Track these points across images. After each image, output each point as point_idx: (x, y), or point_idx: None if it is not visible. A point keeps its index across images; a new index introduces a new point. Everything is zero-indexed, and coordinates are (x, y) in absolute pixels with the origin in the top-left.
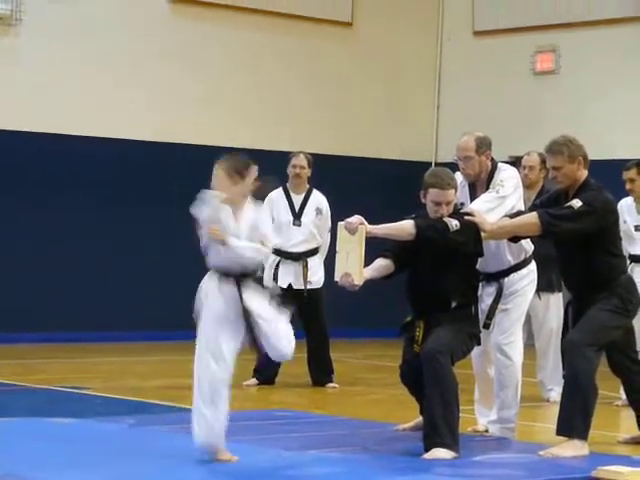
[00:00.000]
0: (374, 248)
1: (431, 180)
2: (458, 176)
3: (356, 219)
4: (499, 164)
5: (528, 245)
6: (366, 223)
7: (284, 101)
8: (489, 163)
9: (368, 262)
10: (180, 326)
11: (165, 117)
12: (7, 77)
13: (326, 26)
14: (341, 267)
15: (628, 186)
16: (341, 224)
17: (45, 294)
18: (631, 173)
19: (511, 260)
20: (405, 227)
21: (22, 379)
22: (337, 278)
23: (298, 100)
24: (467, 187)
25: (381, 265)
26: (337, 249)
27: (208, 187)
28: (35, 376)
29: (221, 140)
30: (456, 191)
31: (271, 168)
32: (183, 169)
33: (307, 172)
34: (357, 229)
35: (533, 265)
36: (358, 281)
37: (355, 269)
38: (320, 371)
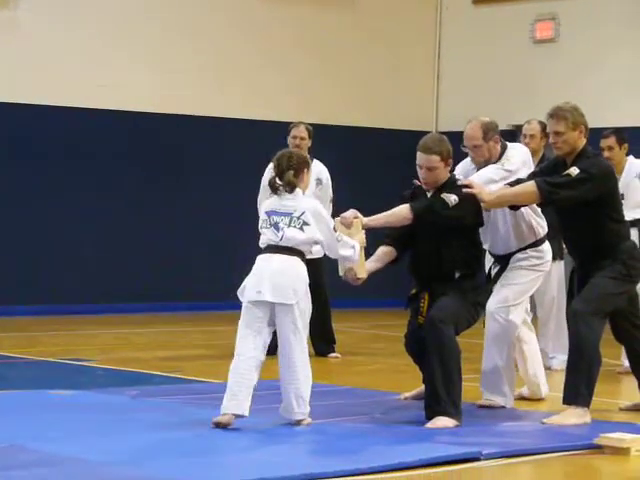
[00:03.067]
0: (374, 233)
1: (419, 143)
2: (468, 161)
3: (350, 213)
4: (509, 144)
5: (541, 227)
6: (360, 216)
7: (284, 71)
8: (498, 147)
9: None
10: (178, 298)
11: (166, 88)
12: (6, 49)
13: None
14: (343, 262)
15: (606, 154)
16: (337, 219)
17: (44, 267)
18: (610, 141)
19: (519, 244)
20: (401, 213)
21: (22, 351)
22: (341, 273)
23: (298, 70)
24: (477, 170)
25: (384, 253)
26: None
27: (211, 158)
28: (35, 348)
29: (220, 111)
30: (442, 159)
31: (272, 139)
32: (187, 140)
33: (307, 143)
34: (352, 223)
35: (544, 246)
36: (361, 274)
37: (357, 263)
38: (322, 341)
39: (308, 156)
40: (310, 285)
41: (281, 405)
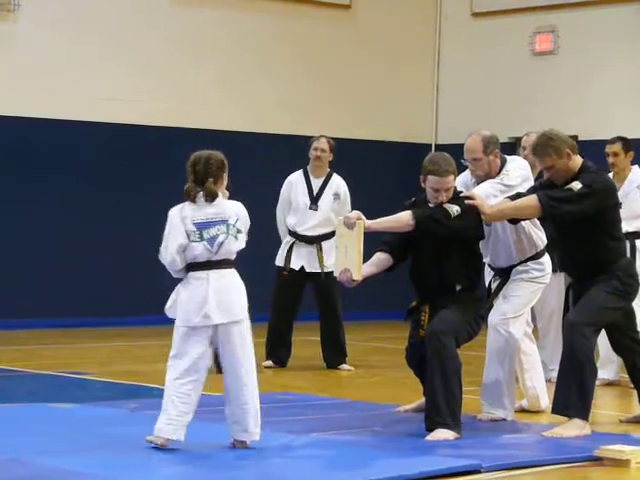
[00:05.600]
0: (373, 239)
1: (430, 167)
2: (468, 174)
3: (354, 214)
4: (508, 157)
5: (541, 240)
6: (364, 218)
7: (282, 84)
8: (498, 161)
9: (369, 255)
10: None
11: (166, 102)
12: (5, 63)
13: (324, 9)
14: (340, 263)
15: (611, 159)
16: (339, 219)
17: (42, 280)
18: (615, 147)
19: (520, 257)
20: (403, 219)
21: (22, 365)
22: (336, 274)
23: (297, 83)
24: (476, 184)
25: (380, 259)
26: (336, 245)
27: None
28: (35, 362)
29: (216, 123)
30: (455, 176)
31: (274, 150)
32: (183, 153)
33: (328, 156)
34: (355, 224)
35: (544, 259)
36: (357, 276)
37: (354, 265)
38: (335, 354)
39: (224, 158)
40: (323, 298)
41: (232, 426)
